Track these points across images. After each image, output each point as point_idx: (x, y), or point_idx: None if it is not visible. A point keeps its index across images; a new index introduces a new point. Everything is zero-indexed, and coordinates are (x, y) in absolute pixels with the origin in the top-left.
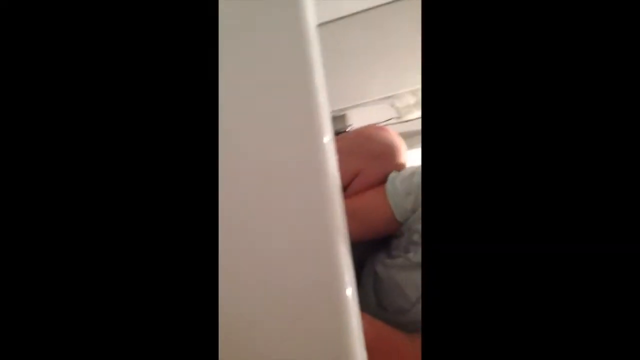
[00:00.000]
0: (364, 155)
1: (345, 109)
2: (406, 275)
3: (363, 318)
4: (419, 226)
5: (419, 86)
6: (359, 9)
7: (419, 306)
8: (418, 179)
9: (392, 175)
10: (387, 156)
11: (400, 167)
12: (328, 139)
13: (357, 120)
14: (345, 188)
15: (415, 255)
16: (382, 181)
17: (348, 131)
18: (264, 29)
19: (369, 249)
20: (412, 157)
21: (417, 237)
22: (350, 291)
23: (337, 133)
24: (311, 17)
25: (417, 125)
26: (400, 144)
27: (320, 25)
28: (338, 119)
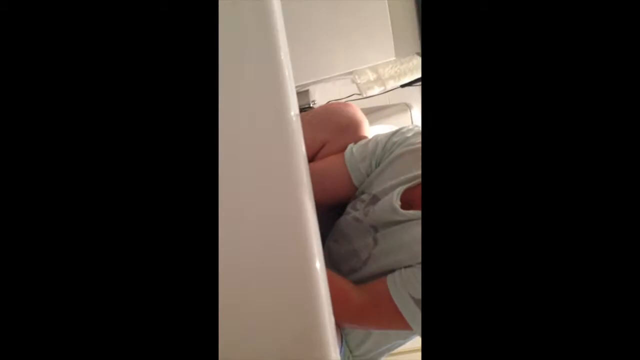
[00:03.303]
0: (330, 128)
1: (308, 84)
2: (354, 230)
3: None
4: (369, 188)
5: (378, 62)
6: None
7: (370, 264)
8: (372, 145)
9: (351, 144)
10: (351, 129)
11: (362, 139)
12: (294, 113)
13: (320, 96)
14: (312, 158)
15: (360, 213)
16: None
17: (312, 106)
18: (228, 2)
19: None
20: (376, 131)
21: (365, 197)
22: (318, 264)
23: (302, 109)
24: None
25: (377, 102)
26: (364, 119)
27: None
28: (302, 94)
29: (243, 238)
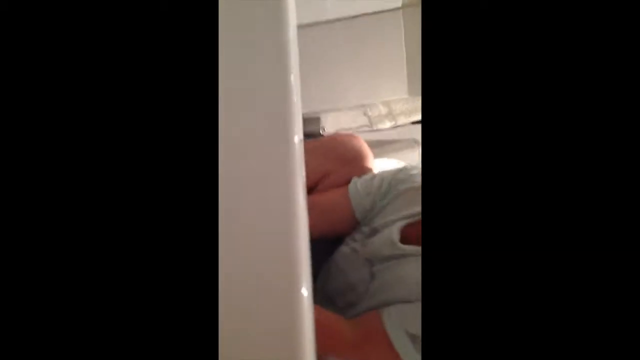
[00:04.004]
0: (335, 159)
1: (320, 112)
2: (350, 263)
3: None
4: (371, 222)
5: (391, 98)
6: (344, 15)
7: (368, 298)
8: (377, 182)
9: (355, 178)
10: (356, 162)
11: (366, 172)
12: (298, 138)
13: (330, 124)
14: (314, 187)
15: (359, 244)
16: (348, 183)
17: (322, 134)
18: (244, 23)
19: (329, 249)
20: (379, 164)
21: (365, 229)
22: (305, 290)
23: (311, 135)
24: (292, 15)
25: (386, 135)
26: (369, 152)
27: (303, 27)
28: (312, 121)
29: (232, 255)
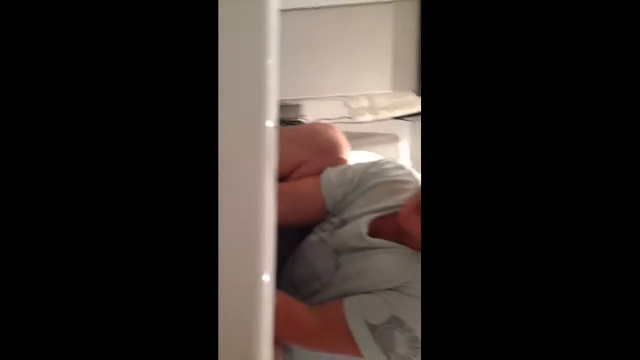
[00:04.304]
0: (310, 148)
1: (302, 99)
2: (317, 252)
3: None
4: (341, 213)
5: (373, 92)
6: (333, 3)
7: (331, 288)
8: (350, 174)
9: (329, 168)
10: (331, 152)
11: (341, 163)
12: (271, 124)
13: (311, 113)
14: (289, 175)
15: (327, 234)
16: (322, 173)
17: (302, 122)
18: (224, 4)
19: (300, 238)
20: (357, 157)
21: (335, 220)
22: (267, 277)
23: (291, 122)
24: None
25: (366, 128)
26: (345, 144)
27: (291, 11)
28: (293, 108)
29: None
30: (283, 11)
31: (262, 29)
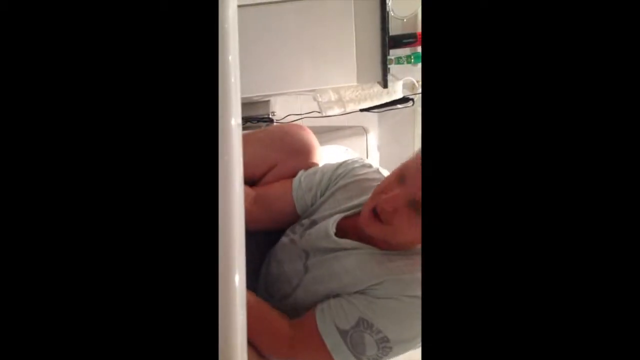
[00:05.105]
0: (281, 150)
1: (270, 95)
2: (287, 253)
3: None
4: (312, 215)
5: (340, 85)
6: None
7: (300, 291)
8: (319, 176)
9: (301, 172)
10: (302, 154)
11: (312, 165)
12: (235, 122)
13: (280, 109)
14: (261, 177)
15: (297, 236)
16: (293, 176)
17: (271, 117)
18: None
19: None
20: (328, 150)
21: (305, 221)
22: (237, 278)
23: (261, 118)
24: None
25: (335, 121)
26: (316, 144)
27: (253, 6)
28: (262, 104)
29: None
30: (242, 6)
31: (221, 25)
